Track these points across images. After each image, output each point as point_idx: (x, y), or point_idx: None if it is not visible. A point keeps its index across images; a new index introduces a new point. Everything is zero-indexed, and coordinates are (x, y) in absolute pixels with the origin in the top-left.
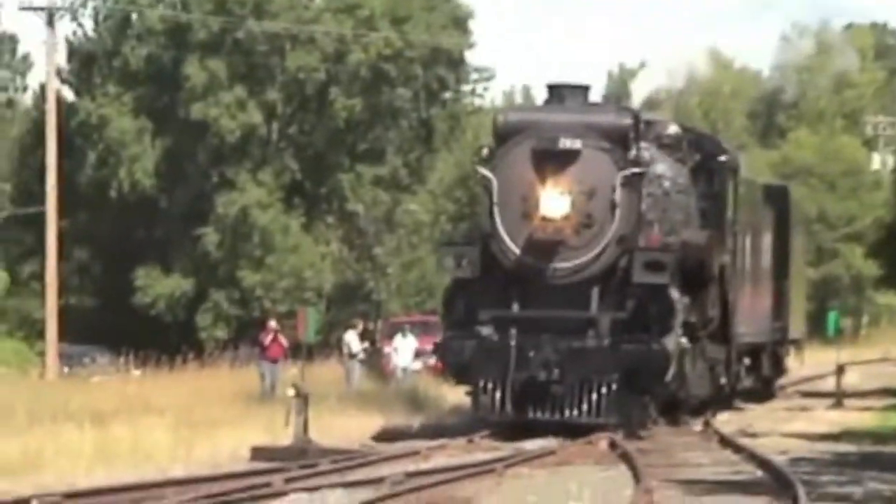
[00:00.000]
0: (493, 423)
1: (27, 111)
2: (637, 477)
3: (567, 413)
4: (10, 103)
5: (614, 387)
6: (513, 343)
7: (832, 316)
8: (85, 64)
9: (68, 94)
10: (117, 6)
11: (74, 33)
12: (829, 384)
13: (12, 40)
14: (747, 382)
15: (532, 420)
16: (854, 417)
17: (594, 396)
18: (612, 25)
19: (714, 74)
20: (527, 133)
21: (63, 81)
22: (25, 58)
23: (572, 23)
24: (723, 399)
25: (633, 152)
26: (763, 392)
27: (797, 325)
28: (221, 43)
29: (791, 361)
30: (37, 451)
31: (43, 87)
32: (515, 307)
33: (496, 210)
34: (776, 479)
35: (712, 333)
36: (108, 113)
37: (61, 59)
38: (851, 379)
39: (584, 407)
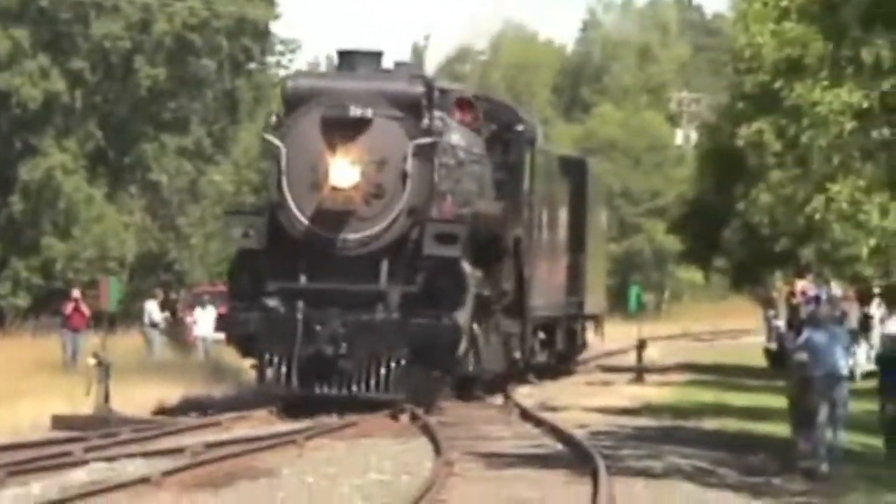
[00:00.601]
0: (279, 398)
1: None
2: (438, 450)
3: (355, 388)
4: None
5: (403, 362)
6: (300, 316)
7: (634, 290)
8: None
9: None
10: None
11: None
12: (631, 359)
13: None
14: (542, 357)
15: (319, 395)
16: (654, 392)
17: (382, 371)
18: None
19: (519, 47)
20: (317, 100)
21: None
22: None
23: None
24: (517, 374)
25: (425, 121)
26: (557, 367)
27: (595, 300)
28: (25, 11)
29: (591, 336)
30: None
31: None
32: (303, 279)
33: (284, 179)
34: (576, 453)
35: (506, 307)
36: None
37: None
38: (652, 354)
39: (372, 382)
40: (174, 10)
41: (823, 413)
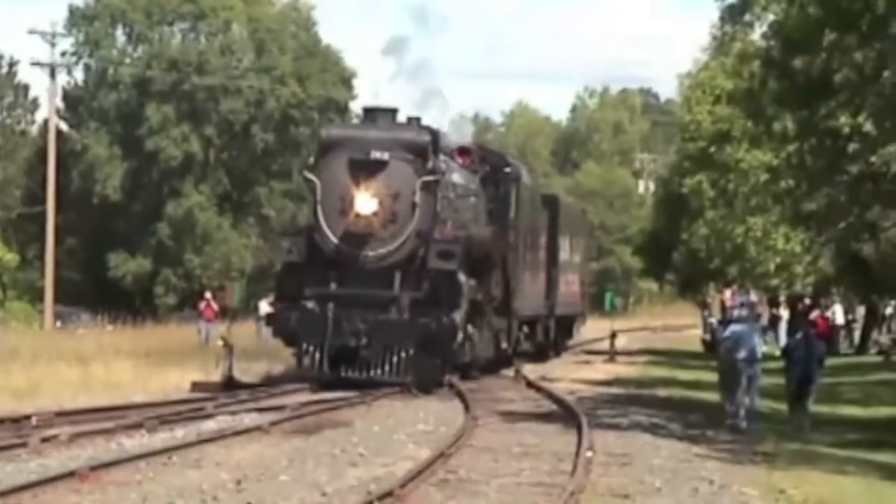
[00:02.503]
0: (314, 379)
1: (34, 139)
2: (467, 408)
3: (373, 373)
4: (23, 133)
5: (411, 352)
6: (330, 315)
7: (608, 296)
8: (75, 105)
9: (63, 127)
10: (99, 63)
11: (68, 83)
12: (606, 345)
13: (25, 88)
14: (526, 346)
15: (344, 377)
16: (623, 369)
17: (395, 359)
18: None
19: (527, 121)
20: (345, 146)
21: (60, 118)
22: (34, 100)
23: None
24: (506, 360)
25: (430, 163)
26: (538, 354)
27: (568, 304)
28: (173, 92)
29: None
30: (37, 382)
31: (46, 122)
32: (333, 286)
33: (319, 208)
34: (566, 412)
35: (496, 308)
36: (89, 143)
37: (59, 101)
38: (621, 342)
39: (387, 368)
40: (280, 93)
41: (743, 385)
